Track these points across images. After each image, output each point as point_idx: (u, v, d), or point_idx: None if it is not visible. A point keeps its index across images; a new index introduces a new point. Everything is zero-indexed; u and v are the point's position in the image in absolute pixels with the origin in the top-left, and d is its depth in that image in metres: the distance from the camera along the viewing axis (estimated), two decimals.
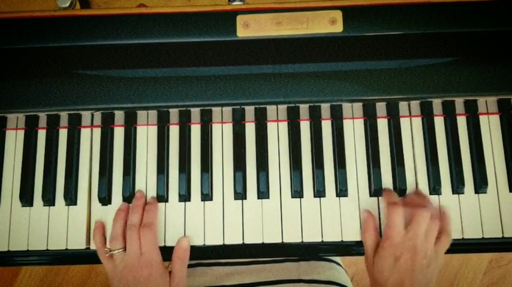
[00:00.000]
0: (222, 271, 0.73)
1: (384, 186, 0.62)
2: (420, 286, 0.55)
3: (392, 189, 0.62)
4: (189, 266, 0.73)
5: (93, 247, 0.62)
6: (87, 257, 0.62)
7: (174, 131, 0.65)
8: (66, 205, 0.63)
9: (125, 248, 0.59)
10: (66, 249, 0.62)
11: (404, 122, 0.64)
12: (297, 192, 0.62)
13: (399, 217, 0.57)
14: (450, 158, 0.63)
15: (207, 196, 0.62)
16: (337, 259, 0.81)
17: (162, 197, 0.63)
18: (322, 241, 0.61)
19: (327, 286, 0.71)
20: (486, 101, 0.64)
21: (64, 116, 0.65)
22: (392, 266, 0.55)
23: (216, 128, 0.65)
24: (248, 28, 0.58)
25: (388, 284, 0.55)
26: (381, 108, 0.64)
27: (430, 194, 0.62)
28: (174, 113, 0.65)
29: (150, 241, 0.59)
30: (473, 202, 0.61)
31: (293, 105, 0.64)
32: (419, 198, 0.60)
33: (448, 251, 0.59)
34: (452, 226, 0.60)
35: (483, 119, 0.64)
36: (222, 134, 0.65)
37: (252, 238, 0.61)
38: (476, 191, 0.62)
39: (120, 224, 0.61)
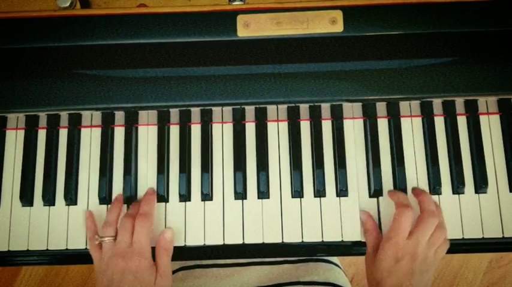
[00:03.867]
0: (221, 272, 0.73)
1: (384, 186, 0.62)
2: None
3: (402, 193, 0.61)
4: (188, 267, 0.74)
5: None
6: (87, 257, 0.62)
7: (174, 131, 0.65)
8: (66, 204, 0.63)
9: (115, 238, 0.59)
10: (66, 249, 0.62)
11: (404, 122, 0.64)
12: (297, 192, 0.62)
13: (407, 221, 0.57)
14: (450, 158, 0.63)
15: (207, 196, 0.62)
16: (336, 260, 0.81)
17: (162, 197, 0.63)
18: (323, 241, 0.61)
19: None
20: (486, 101, 0.64)
21: (64, 116, 0.65)
22: (392, 267, 0.55)
23: (216, 128, 0.65)
24: (248, 28, 0.58)
25: (386, 284, 0.55)
26: (381, 108, 0.64)
27: (431, 194, 0.62)
28: (174, 113, 0.65)
29: (144, 231, 0.58)
30: (473, 201, 0.61)
31: (293, 105, 0.64)
32: (430, 203, 0.59)
33: (448, 251, 0.59)
34: (452, 226, 0.60)
35: (483, 119, 0.64)
36: (223, 134, 0.65)
37: (252, 238, 0.61)
38: (477, 191, 0.62)
39: (115, 213, 0.60)
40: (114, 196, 0.63)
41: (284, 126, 0.65)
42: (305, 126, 0.64)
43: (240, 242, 0.61)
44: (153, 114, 0.65)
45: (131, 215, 0.59)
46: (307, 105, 0.64)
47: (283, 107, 0.65)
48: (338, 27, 0.58)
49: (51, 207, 0.63)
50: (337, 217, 0.61)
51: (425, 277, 0.56)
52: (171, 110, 0.65)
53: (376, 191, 0.62)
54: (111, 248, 0.58)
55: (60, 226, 0.62)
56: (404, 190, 0.62)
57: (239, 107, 0.64)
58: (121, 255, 0.57)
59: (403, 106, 0.64)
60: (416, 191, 0.61)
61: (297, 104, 0.64)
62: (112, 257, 0.57)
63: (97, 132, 0.65)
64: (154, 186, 0.63)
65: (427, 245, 0.56)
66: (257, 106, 0.64)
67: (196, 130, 0.65)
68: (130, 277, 0.56)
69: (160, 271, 0.58)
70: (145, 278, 0.57)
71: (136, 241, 0.58)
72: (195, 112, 0.65)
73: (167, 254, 0.59)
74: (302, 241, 0.61)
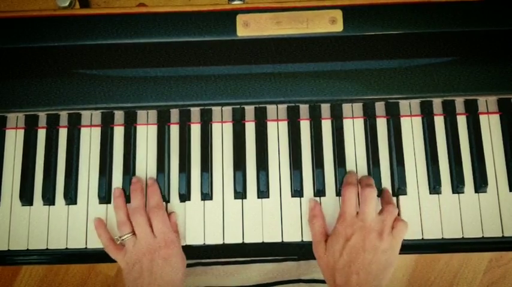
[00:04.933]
0: (222, 270, 0.73)
1: (383, 185, 0.62)
2: (372, 269, 0.53)
3: (354, 172, 0.62)
4: (189, 265, 0.74)
5: (94, 245, 0.61)
6: (87, 256, 0.62)
7: (174, 131, 0.65)
8: (66, 204, 0.63)
9: (134, 233, 0.59)
10: (66, 248, 0.62)
11: (404, 122, 0.64)
12: (297, 191, 0.62)
13: (352, 198, 0.57)
14: (450, 157, 0.63)
15: (207, 196, 0.62)
16: None
17: (162, 197, 0.63)
18: None
19: (327, 285, 0.71)
20: (486, 101, 0.64)
21: (64, 115, 0.65)
22: (343, 246, 0.55)
23: (216, 128, 0.65)
24: (248, 27, 0.58)
25: (338, 265, 0.54)
26: (380, 107, 0.64)
27: (430, 193, 0.62)
28: (174, 113, 0.65)
29: (162, 221, 0.59)
30: (473, 201, 0.61)
31: (293, 104, 0.64)
32: (366, 179, 0.60)
33: (449, 251, 0.59)
34: (451, 226, 0.60)
35: (483, 119, 0.64)
36: (222, 133, 0.65)
37: (252, 237, 0.61)
38: (476, 191, 0.62)
39: (122, 211, 0.61)
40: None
41: (284, 125, 0.65)
42: (305, 126, 0.64)
43: (240, 241, 0.61)
44: (152, 113, 0.65)
45: (139, 208, 0.60)
46: (306, 105, 0.64)
47: (283, 107, 0.65)
48: (338, 27, 0.58)
49: (51, 206, 0.63)
50: (336, 216, 0.61)
51: (381, 258, 0.54)
52: (170, 109, 0.65)
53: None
54: (134, 244, 0.58)
55: (60, 225, 0.62)
56: (404, 190, 0.62)
57: (239, 106, 0.64)
58: (148, 248, 0.57)
59: (403, 106, 0.64)
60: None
61: (296, 104, 0.64)
62: (138, 254, 0.57)
63: (97, 131, 0.65)
64: None
65: (378, 219, 0.56)
66: (257, 106, 0.64)
67: (196, 130, 0.65)
68: (162, 264, 0.56)
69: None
70: (179, 262, 0.58)
71: (159, 231, 0.58)
72: (195, 112, 0.65)
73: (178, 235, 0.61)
74: (302, 240, 0.61)
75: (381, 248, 0.54)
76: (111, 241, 0.60)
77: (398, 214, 0.61)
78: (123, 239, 0.59)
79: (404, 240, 0.58)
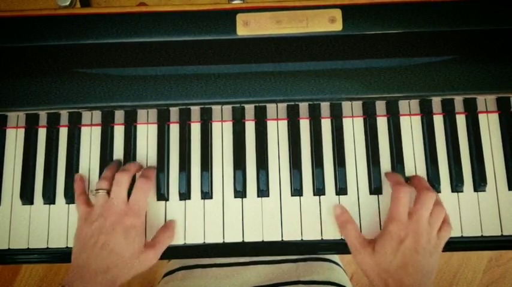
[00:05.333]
0: (221, 272, 0.73)
1: (383, 185, 0.62)
2: (423, 271, 0.53)
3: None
4: (187, 267, 0.74)
5: None
6: None
7: (174, 130, 0.65)
8: (66, 203, 0.63)
9: (109, 193, 0.57)
10: (67, 247, 0.62)
11: (403, 121, 0.64)
12: (297, 190, 0.62)
13: (404, 198, 0.56)
14: (449, 156, 0.63)
15: (207, 194, 0.62)
16: (336, 258, 0.81)
17: (162, 196, 0.63)
18: (322, 239, 0.61)
19: (326, 286, 0.71)
20: (485, 100, 0.64)
21: (64, 114, 0.65)
22: (397, 248, 0.54)
23: (216, 127, 0.65)
24: (248, 27, 0.58)
25: (391, 267, 0.54)
26: (380, 106, 0.65)
27: None
28: (174, 112, 0.65)
29: (143, 192, 0.57)
30: (472, 200, 0.62)
31: (293, 103, 0.64)
32: (423, 182, 0.60)
33: (447, 249, 0.59)
34: (451, 224, 0.60)
35: (482, 118, 0.64)
36: (222, 132, 0.65)
37: (251, 236, 0.61)
38: (476, 190, 0.62)
39: (113, 170, 0.60)
40: None
41: (284, 124, 0.65)
42: (304, 125, 0.65)
43: (240, 240, 0.62)
44: (152, 113, 0.65)
45: (127, 171, 0.58)
46: (306, 104, 0.64)
47: (282, 106, 0.65)
48: (337, 26, 0.58)
49: (51, 205, 0.63)
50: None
51: (430, 260, 0.54)
52: (170, 108, 0.65)
53: (376, 189, 0.62)
54: (105, 200, 0.56)
55: (60, 224, 0.63)
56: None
57: (239, 105, 0.64)
58: (114, 211, 0.55)
59: (403, 104, 0.64)
60: (410, 177, 0.62)
61: (296, 103, 0.64)
62: (102, 213, 0.55)
63: (97, 130, 0.65)
64: (154, 185, 0.63)
65: (429, 224, 0.56)
66: (257, 105, 0.64)
67: (196, 129, 0.65)
68: (120, 233, 0.53)
69: (156, 244, 0.57)
70: (136, 238, 0.55)
71: (135, 199, 0.56)
72: (195, 111, 0.65)
73: (168, 233, 0.60)
74: (301, 239, 0.61)
75: (430, 250, 0.55)
76: (83, 194, 0.60)
77: None
78: (97, 192, 0.57)
79: None
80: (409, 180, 0.62)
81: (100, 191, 0.57)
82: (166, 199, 0.63)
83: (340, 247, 0.62)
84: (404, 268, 0.53)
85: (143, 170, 0.61)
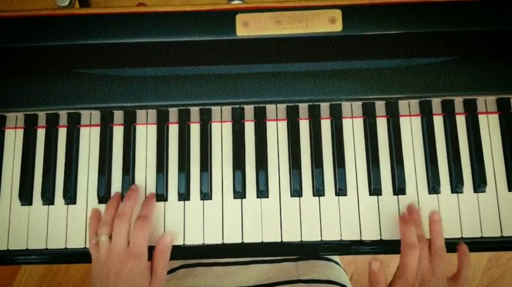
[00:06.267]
0: (222, 271, 0.73)
1: (383, 185, 0.62)
2: None
3: (413, 209, 0.60)
4: (188, 266, 0.74)
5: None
6: (87, 256, 0.62)
7: (173, 130, 0.65)
8: (65, 204, 0.63)
9: (110, 236, 0.58)
10: (66, 248, 0.62)
11: (403, 121, 0.64)
12: (296, 191, 0.62)
13: (413, 262, 0.55)
14: (449, 157, 0.63)
15: (206, 195, 0.62)
16: (336, 258, 0.81)
17: (161, 196, 0.63)
18: (321, 240, 0.61)
19: (326, 285, 0.71)
20: (485, 101, 0.64)
21: (63, 115, 0.65)
22: None
23: (215, 127, 0.65)
24: (247, 27, 0.58)
25: None
26: (380, 107, 0.64)
27: (429, 193, 0.62)
28: (173, 112, 0.65)
29: (143, 233, 0.57)
30: (472, 201, 0.62)
31: (292, 104, 0.64)
32: (439, 238, 0.59)
33: (448, 251, 0.59)
34: (450, 225, 0.60)
35: (482, 119, 0.64)
36: (222, 133, 0.65)
37: (251, 237, 0.61)
38: (475, 191, 0.62)
39: (111, 212, 0.60)
40: (113, 194, 0.63)
41: (283, 125, 0.65)
42: (304, 126, 0.64)
43: (239, 241, 0.61)
44: (152, 113, 0.65)
45: (125, 214, 0.59)
46: (306, 105, 0.64)
47: (282, 107, 0.65)
48: (337, 27, 0.58)
49: (50, 206, 0.63)
50: (336, 216, 0.61)
51: None
52: (170, 109, 0.65)
53: (375, 190, 0.62)
54: (107, 247, 0.57)
55: (60, 225, 0.62)
56: (403, 189, 0.62)
57: (238, 106, 0.64)
58: (117, 256, 0.56)
59: (402, 105, 0.64)
60: (430, 219, 0.60)
61: (296, 104, 0.64)
62: (108, 257, 0.57)
63: (96, 131, 0.65)
64: (154, 185, 0.63)
65: (432, 272, 0.57)
66: (256, 105, 0.64)
67: (195, 129, 0.65)
68: (124, 279, 0.55)
69: (157, 275, 0.58)
70: (141, 281, 0.56)
71: (134, 242, 0.57)
72: (194, 111, 0.65)
73: (165, 258, 0.59)
74: (301, 240, 0.61)
75: None
76: (95, 236, 0.60)
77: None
78: (99, 239, 0.58)
79: None
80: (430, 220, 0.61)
81: (102, 236, 0.58)
82: (165, 200, 0.63)
83: (339, 248, 0.62)
84: None
85: (142, 208, 0.60)
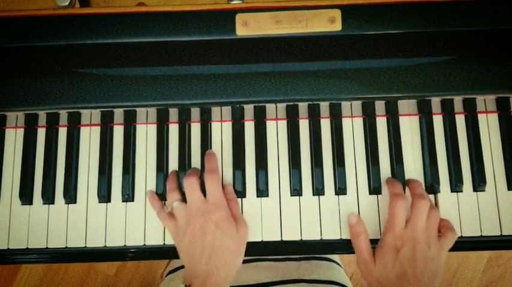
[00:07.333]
0: None
1: (383, 184, 0.62)
2: (424, 277, 0.54)
3: (396, 180, 0.62)
4: None
5: (93, 244, 0.62)
6: (87, 255, 0.63)
7: (173, 130, 0.65)
8: (65, 203, 0.63)
9: (183, 200, 0.59)
10: (66, 247, 0.62)
11: (403, 121, 0.64)
12: (296, 190, 0.62)
13: (401, 210, 0.57)
14: (449, 156, 0.63)
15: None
16: (337, 258, 0.81)
17: (161, 196, 0.63)
18: (321, 239, 0.61)
19: (328, 285, 0.71)
20: (485, 100, 0.64)
21: (63, 114, 0.65)
22: (394, 257, 0.55)
23: (215, 127, 0.65)
24: (247, 27, 0.58)
25: (391, 277, 0.55)
26: (379, 106, 0.65)
27: (429, 192, 0.62)
28: (173, 112, 0.65)
29: (215, 185, 0.59)
30: (471, 200, 0.62)
31: (292, 103, 0.64)
32: (417, 188, 0.60)
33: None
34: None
35: (482, 118, 0.64)
36: (222, 132, 0.65)
37: (251, 236, 0.61)
38: (475, 190, 0.62)
39: (174, 181, 0.61)
40: (113, 194, 0.63)
41: (283, 124, 0.65)
42: (304, 125, 0.65)
43: None
44: (152, 113, 0.65)
45: (191, 174, 0.60)
46: (306, 104, 0.64)
47: (282, 106, 0.65)
48: (336, 26, 0.58)
49: (51, 205, 0.63)
50: (336, 215, 0.62)
51: (431, 266, 0.55)
52: (170, 108, 0.65)
53: (375, 189, 0.62)
54: (184, 209, 0.58)
55: (60, 224, 0.63)
56: (403, 189, 0.62)
57: (238, 105, 0.64)
58: (199, 211, 0.57)
59: (402, 105, 0.64)
60: (407, 181, 0.62)
61: (295, 103, 0.64)
62: (190, 217, 0.57)
63: (96, 130, 0.65)
64: (154, 185, 0.63)
65: (426, 229, 0.56)
66: (256, 105, 0.64)
67: (195, 129, 0.65)
68: (213, 227, 0.56)
69: (239, 220, 0.59)
70: (228, 227, 0.57)
71: (210, 194, 0.58)
72: (194, 111, 0.65)
73: (236, 202, 0.61)
74: (301, 239, 0.61)
75: (430, 256, 0.55)
76: (162, 209, 0.60)
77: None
78: (172, 205, 0.59)
79: None
80: (406, 183, 0.62)
81: (174, 203, 0.59)
82: (165, 199, 0.63)
83: (339, 247, 0.62)
84: (404, 276, 0.54)
85: (206, 165, 0.61)
